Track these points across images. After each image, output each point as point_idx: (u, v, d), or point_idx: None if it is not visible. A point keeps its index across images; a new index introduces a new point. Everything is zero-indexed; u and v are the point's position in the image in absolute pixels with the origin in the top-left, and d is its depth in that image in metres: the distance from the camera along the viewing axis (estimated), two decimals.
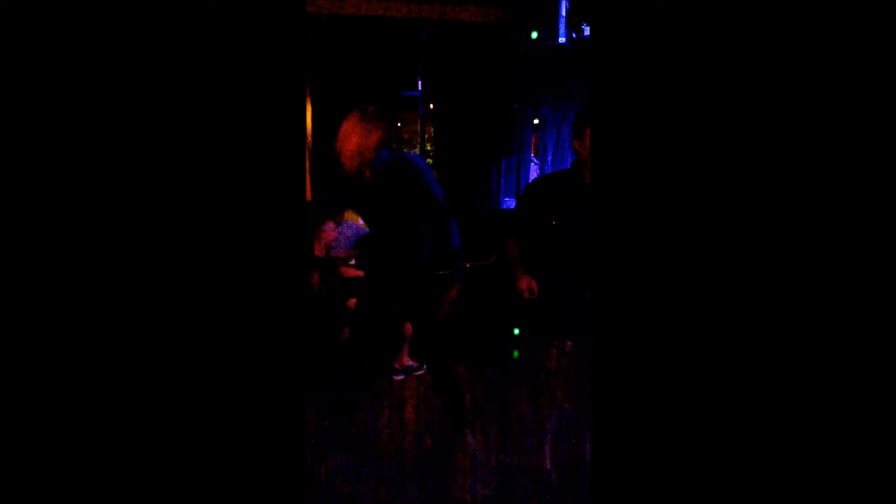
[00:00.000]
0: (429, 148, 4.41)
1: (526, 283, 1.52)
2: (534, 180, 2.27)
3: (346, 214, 4.12)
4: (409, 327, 3.04)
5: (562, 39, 2.71)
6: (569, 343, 1.57)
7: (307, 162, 3.92)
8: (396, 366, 3.08)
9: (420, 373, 3.10)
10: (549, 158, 3.41)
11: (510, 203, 3.84)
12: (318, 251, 2.84)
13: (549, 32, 2.66)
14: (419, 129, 4.40)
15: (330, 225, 2.88)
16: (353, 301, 2.79)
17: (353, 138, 1.74)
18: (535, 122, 3.91)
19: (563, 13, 2.67)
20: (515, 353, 3.11)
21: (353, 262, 3.68)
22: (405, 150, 1.93)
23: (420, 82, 4.07)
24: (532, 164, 2.62)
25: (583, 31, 2.84)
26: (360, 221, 4.54)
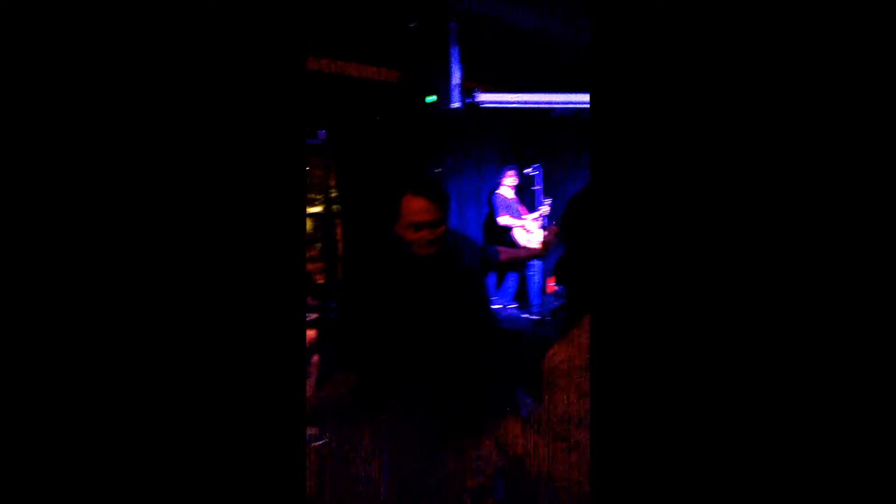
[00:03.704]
0: (333, 195, 4.37)
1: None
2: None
3: None
4: (307, 391, 2.89)
5: (456, 104, 2.82)
6: None
7: None
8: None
9: (320, 443, 2.93)
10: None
11: None
12: None
13: (444, 97, 2.78)
14: (323, 176, 4.36)
15: None
16: None
17: None
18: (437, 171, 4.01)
19: (456, 81, 2.79)
20: None
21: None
22: None
23: (324, 132, 4.05)
24: None
25: (474, 97, 2.97)
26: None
